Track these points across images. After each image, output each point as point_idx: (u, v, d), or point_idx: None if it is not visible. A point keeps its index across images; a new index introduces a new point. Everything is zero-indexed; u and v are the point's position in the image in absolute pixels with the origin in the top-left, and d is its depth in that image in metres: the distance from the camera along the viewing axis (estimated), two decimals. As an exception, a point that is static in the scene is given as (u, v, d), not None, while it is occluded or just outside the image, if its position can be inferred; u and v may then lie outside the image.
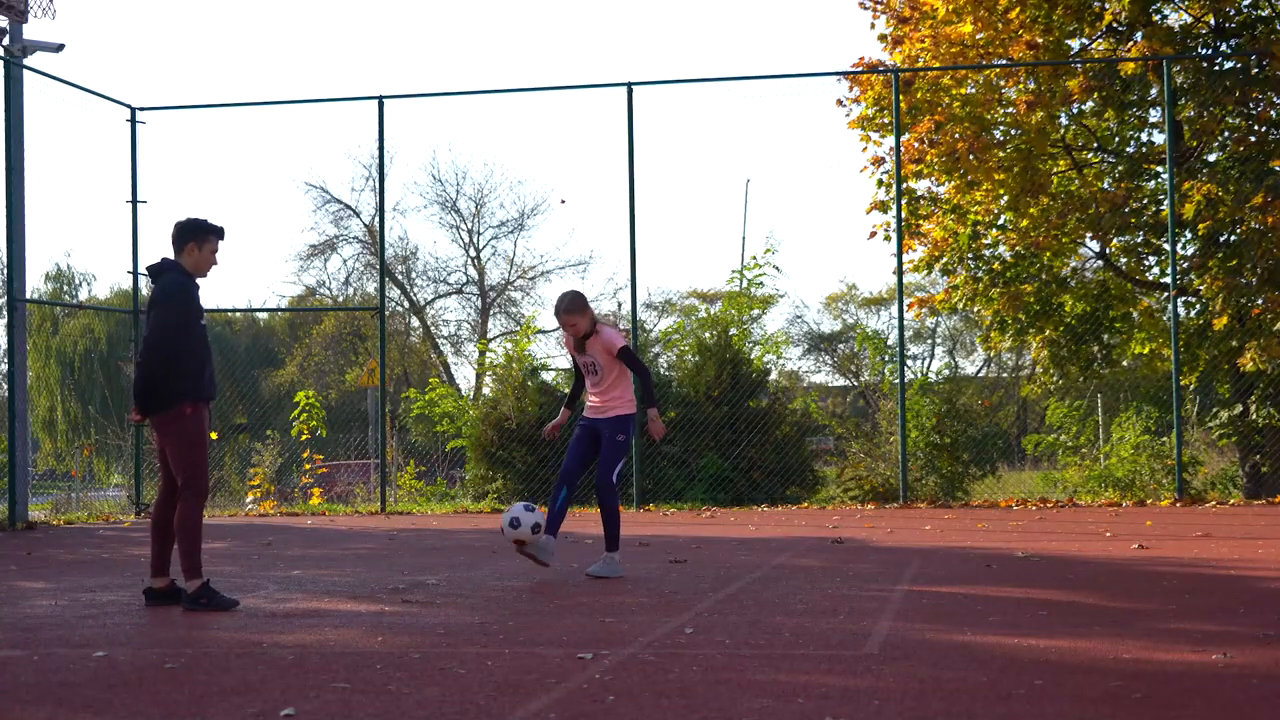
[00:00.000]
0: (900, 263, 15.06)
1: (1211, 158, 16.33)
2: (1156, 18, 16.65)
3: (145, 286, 24.09)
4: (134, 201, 15.52)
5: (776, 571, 7.88)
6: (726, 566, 8.16)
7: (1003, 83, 16.49)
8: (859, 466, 15.69)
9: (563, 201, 48.69)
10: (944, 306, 17.93)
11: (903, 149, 15.56)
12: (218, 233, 6.84)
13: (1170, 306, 14.75)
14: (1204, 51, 16.36)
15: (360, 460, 20.97)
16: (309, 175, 49.84)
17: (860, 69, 16.89)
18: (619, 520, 7.64)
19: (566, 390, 17.01)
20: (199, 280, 6.79)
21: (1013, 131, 16.41)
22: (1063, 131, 17.09)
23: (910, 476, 14.84)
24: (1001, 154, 16.16)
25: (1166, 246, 15.39)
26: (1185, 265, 16.05)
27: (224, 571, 8.45)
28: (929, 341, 42.49)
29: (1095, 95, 16.00)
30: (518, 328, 23.37)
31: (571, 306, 7.58)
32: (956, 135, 15.87)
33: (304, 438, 17.51)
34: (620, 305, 33.22)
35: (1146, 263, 17.55)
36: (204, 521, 6.78)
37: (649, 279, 44.32)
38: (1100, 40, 17.13)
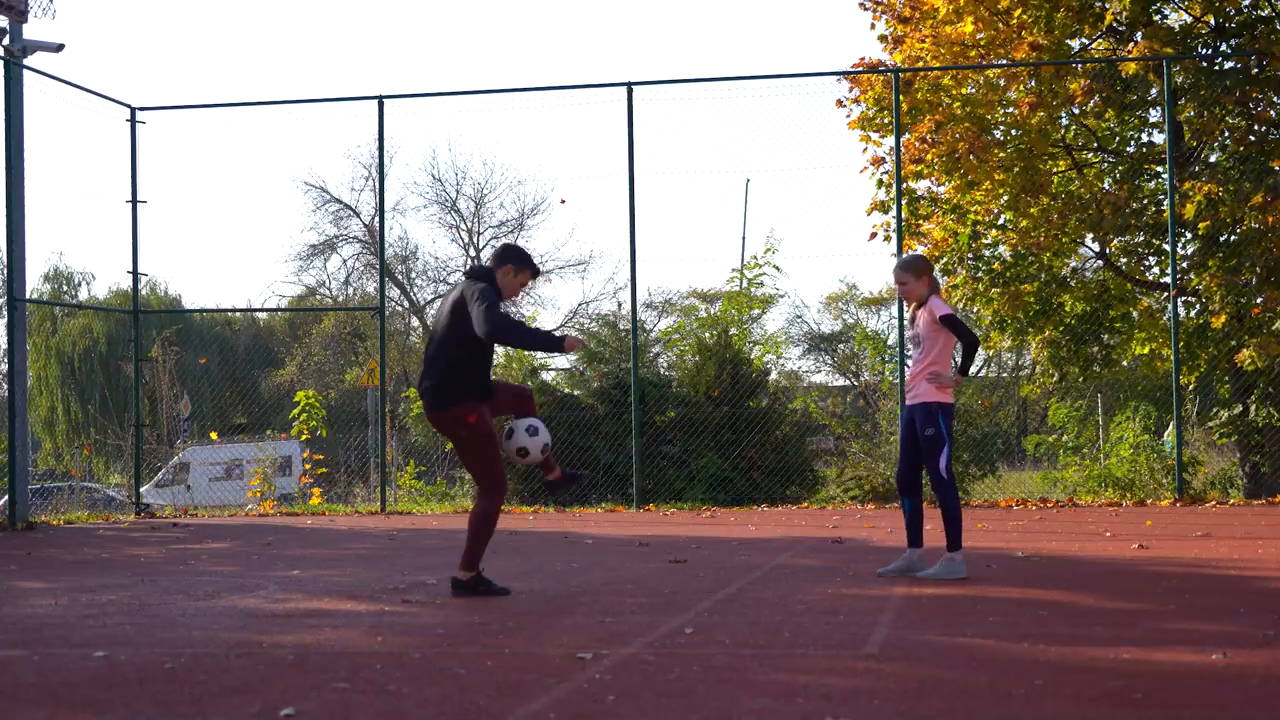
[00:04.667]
0: (900, 263, 15.05)
1: (1212, 158, 16.32)
2: (1156, 18, 16.64)
3: (145, 287, 23.88)
4: (134, 201, 15.52)
5: (776, 571, 7.88)
6: (726, 566, 8.16)
7: (1004, 83, 16.48)
8: (859, 466, 15.68)
9: (563, 201, 48.73)
10: (944, 306, 17.89)
11: (903, 149, 15.55)
12: (534, 270, 7.03)
13: (1170, 306, 14.76)
14: (1204, 51, 16.35)
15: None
16: (309, 175, 49.81)
17: (860, 69, 16.88)
18: (958, 518, 7.22)
19: (566, 390, 17.00)
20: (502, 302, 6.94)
21: (1013, 132, 16.40)
22: (1063, 132, 17.08)
23: (910, 476, 14.81)
24: (1002, 154, 16.14)
25: (1166, 246, 15.38)
26: (1185, 265, 16.05)
27: (224, 571, 8.45)
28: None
29: (1096, 96, 15.98)
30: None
31: (904, 264, 7.34)
32: (957, 135, 15.86)
33: (304, 438, 17.51)
34: (620, 305, 33.18)
35: (1146, 263, 17.54)
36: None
37: (649, 279, 44.15)
38: (1100, 40, 17.13)
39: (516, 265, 6.89)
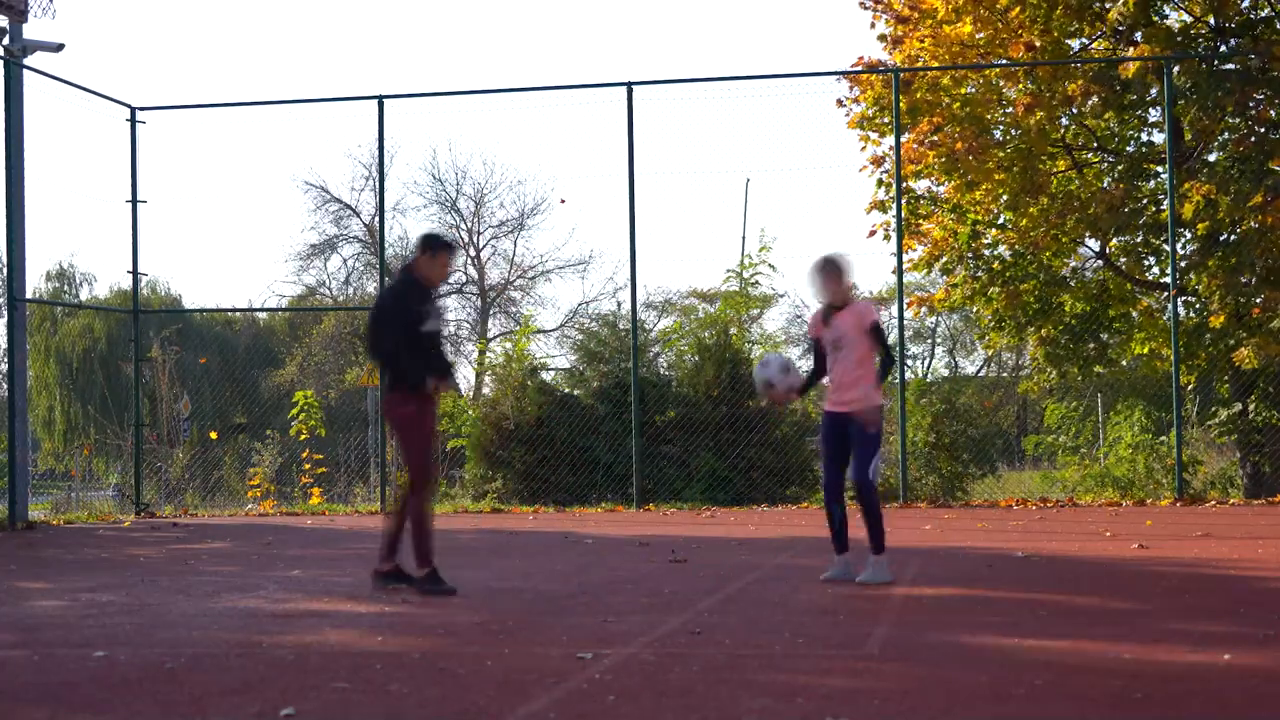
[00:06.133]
0: (900, 262, 15.06)
1: (1211, 158, 16.31)
2: (1156, 18, 16.63)
3: (146, 287, 23.86)
4: (134, 201, 15.52)
5: (776, 571, 7.88)
6: (726, 566, 8.16)
7: (1003, 83, 16.47)
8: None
9: (563, 201, 48.64)
10: (943, 305, 17.92)
11: (902, 149, 15.56)
12: (447, 249, 7.21)
13: (1170, 306, 14.75)
14: (1204, 52, 16.35)
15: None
16: (309, 175, 49.72)
17: (860, 69, 16.88)
18: (881, 519, 7.13)
19: (566, 390, 17.00)
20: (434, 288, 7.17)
21: (1012, 131, 16.40)
22: (1063, 131, 17.08)
23: (910, 476, 14.84)
24: (1001, 154, 16.14)
25: (1166, 246, 15.38)
26: (1185, 265, 16.05)
27: (224, 571, 8.45)
28: (929, 341, 42.49)
29: (1095, 97, 15.98)
30: (517, 327, 23.42)
31: (823, 267, 7.12)
32: (956, 135, 15.85)
33: (303, 438, 17.51)
34: (620, 305, 33.16)
35: (1146, 262, 17.54)
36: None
37: (649, 279, 44.15)
38: (1100, 40, 17.12)
39: (431, 251, 7.11)
